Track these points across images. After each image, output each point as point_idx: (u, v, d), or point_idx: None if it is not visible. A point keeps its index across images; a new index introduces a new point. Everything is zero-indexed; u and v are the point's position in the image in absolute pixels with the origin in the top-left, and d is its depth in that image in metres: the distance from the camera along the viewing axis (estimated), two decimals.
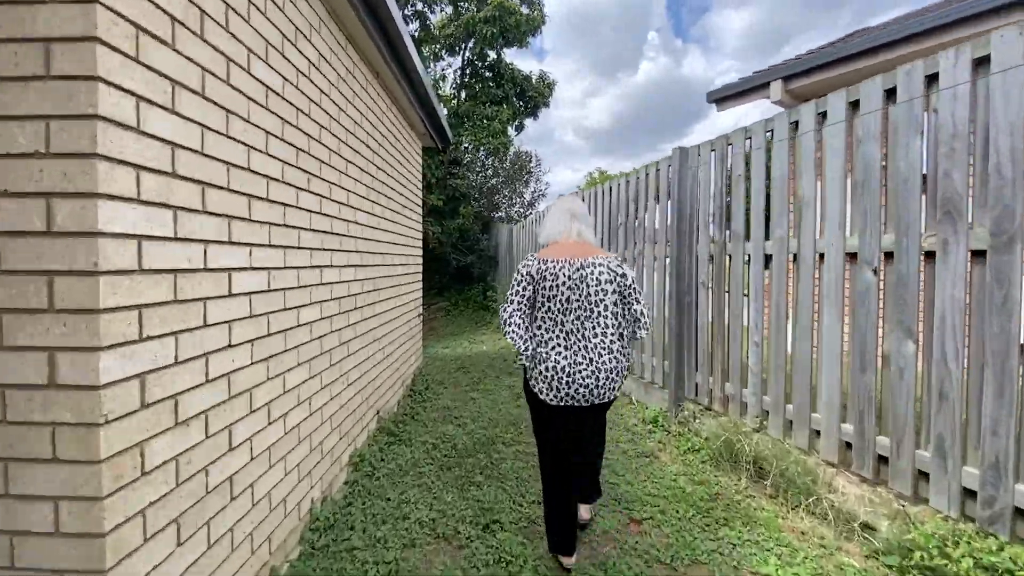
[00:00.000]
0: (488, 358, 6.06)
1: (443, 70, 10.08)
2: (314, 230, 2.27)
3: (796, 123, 2.61)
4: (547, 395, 1.82)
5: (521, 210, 10.08)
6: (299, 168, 2.11)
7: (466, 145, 8.44)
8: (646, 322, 1.88)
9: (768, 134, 2.78)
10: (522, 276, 1.89)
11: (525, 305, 1.88)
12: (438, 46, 10.18)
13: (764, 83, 4.94)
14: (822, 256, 2.42)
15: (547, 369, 1.81)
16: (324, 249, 2.40)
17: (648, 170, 4.04)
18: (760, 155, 2.83)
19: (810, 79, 4.58)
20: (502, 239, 8.56)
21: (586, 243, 1.98)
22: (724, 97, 5.46)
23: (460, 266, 9.38)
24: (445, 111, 9.41)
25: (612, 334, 1.84)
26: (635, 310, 1.87)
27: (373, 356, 3.29)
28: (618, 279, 1.88)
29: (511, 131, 9.88)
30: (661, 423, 3.46)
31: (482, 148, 8.64)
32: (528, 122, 10.95)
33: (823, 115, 2.45)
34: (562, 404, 1.82)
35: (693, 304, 3.41)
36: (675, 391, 3.51)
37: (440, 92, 8.80)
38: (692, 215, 3.43)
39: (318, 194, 2.32)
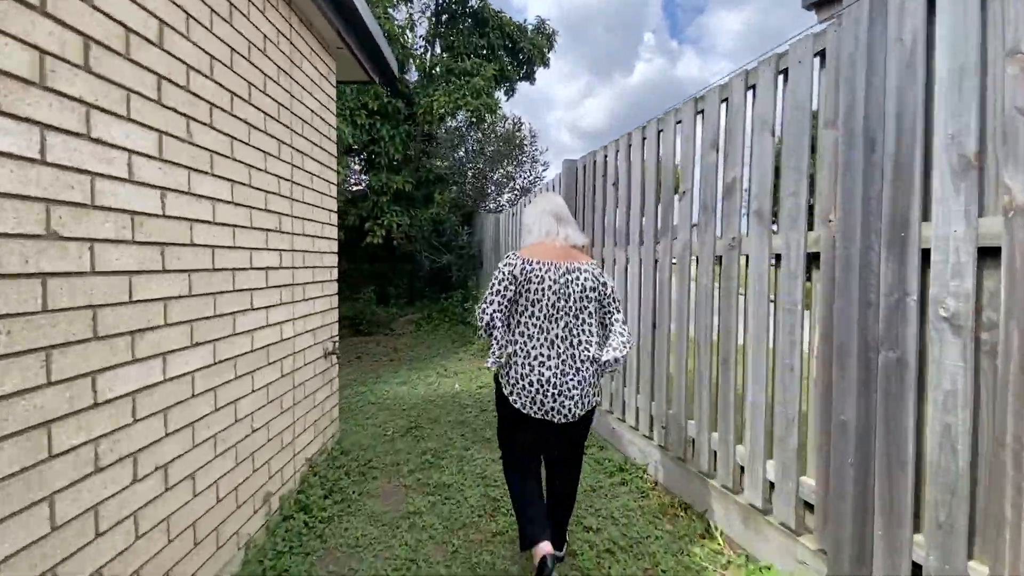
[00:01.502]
0: (459, 406, 4.11)
1: (410, 14, 8.11)
2: None
3: None
4: (530, 409, 1.75)
5: (514, 197, 8.12)
6: None
7: (442, 111, 6.49)
8: (628, 339, 1.85)
9: None
10: (504, 275, 1.76)
11: (506, 308, 1.77)
12: None
13: None
14: None
15: (532, 382, 1.74)
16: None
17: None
18: None
19: None
20: (487, 232, 6.61)
21: (573, 248, 1.89)
22: None
23: (435, 268, 7.42)
24: (412, 66, 7.43)
25: (596, 344, 1.80)
26: (616, 319, 1.86)
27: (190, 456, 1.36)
28: (600, 287, 1.84)
29: (499, 95, 7.90)
30: None
31: (460, 113, 6.69)
32: (523, 87, 8.72)
33: None
34: (546, 419, 1.75)
35: None
36: None
37: (405, 42, 6.93)
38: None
39: None
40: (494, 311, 1.74)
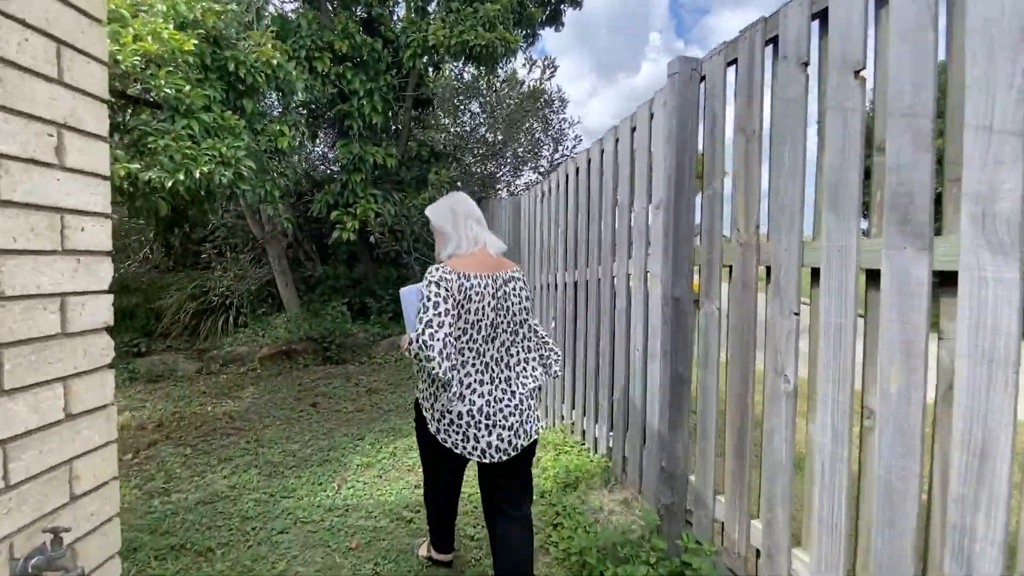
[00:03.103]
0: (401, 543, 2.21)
1: None
2: None
3: None
4: (463, 447, 1.58)
5: (537, 179, 6.21)
6: None
7: (440, 48, 4.50)
8: (558, 355, 1.78)
9: None
10: (443, 290, 1.51)
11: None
12: None
13: None
14: None
15: (464, 415, 1.58)
16: None
17: None
18: None
19: None
20: (501, 223, 4.68)
21: (498, 254, 1.73)
22: None
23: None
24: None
25: (535, 358, 1.74)
26: (540, 332, 1.77)
27: None
28: (527, 294, 1.74)
29: (517, 35, 5.92)
30: None
31: (463, 58, 4.76)
32: (547, 33, 6.58)
33: None
34: (486, 460, 1.59)
35: None
36: None
37: None
38: None
39: None
40: (446, 334, 1.47)
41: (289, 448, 3.42)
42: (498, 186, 6.69)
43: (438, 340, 1.44)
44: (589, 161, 2.85)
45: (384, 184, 5.72)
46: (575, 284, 3.07)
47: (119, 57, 2.82)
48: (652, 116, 2.18)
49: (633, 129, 2.38)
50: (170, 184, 2.74)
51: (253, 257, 6.73)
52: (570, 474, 2.59)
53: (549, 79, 5.56)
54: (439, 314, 1.47)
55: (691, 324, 1.97)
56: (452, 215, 1.77)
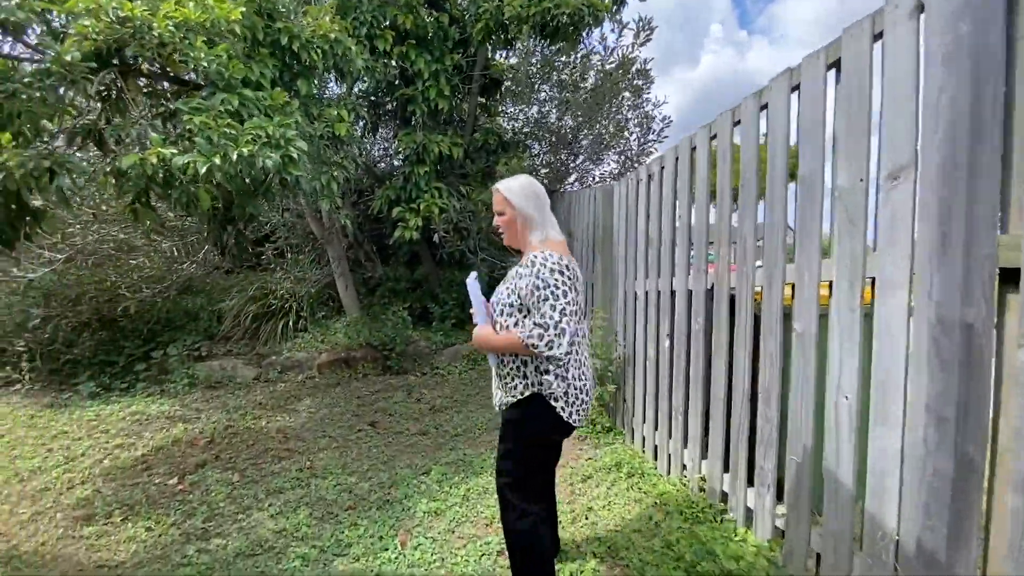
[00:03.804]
0: None
1: None
2: None
3: None
4: (576, 417, 1.68)
5: (614, 170, 5.42)
6: None
7: (515, 17, 3.86)
8: None
9: None
10: (566, 278, 1.58)
11: None
12: None
13: None
14: None
15: (587, 390, 1.71)
16: None
17: None
18: None
19: None
20: (582, 219, 3.97)
21: None
22: None
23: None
24: None
25: None
26: None
27: None
28: None
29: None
30: None
31: (541, 33, 4.08)
32: (633, 3, 5.64)
33: None
34: (580, 425, 1.73)
35: None
36: None
37: None
38: None
39: None
40: (577, 322, 1.58)
41: (345, 481, 2.91)
42: (570, 177, 5.99)
43: (570, 328, 1.52)
44: (736, 123, 2.10)
45: (448, 177, 5.19)
46: (708, 293, 2.32)
47: (153, 23, 2.41)
48: (882, 36, 1.41)
49: (832, 65, 1.61)
50: (204, 170, 2.28)
51: (314, 258, 6.44)
52: (716, 562, 1.85)
53: (643, 44, 4.74)
54: (569, 303, 1.53)
55: (984, 369, 1.17)
56: (536, 199, 1.72)
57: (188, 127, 2.46)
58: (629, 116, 4.75)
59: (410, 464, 3.13)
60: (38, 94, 2.09)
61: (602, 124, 4.90)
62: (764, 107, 1.93)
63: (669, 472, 2.65)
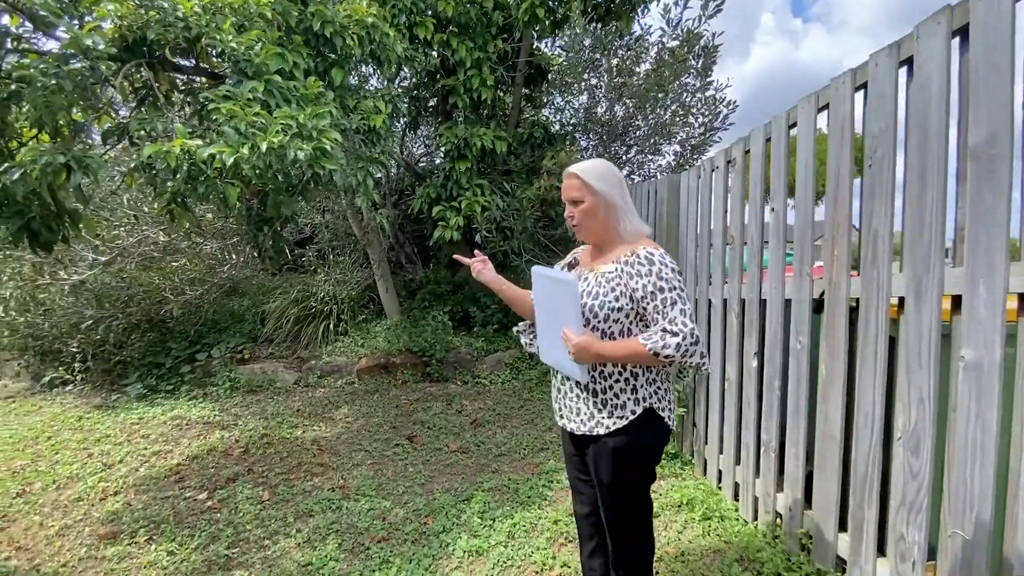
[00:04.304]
0: None
1: None
2: None
3: None
4: (672, 421, 1.54)
5: (674, 161, 4.90)
6: None
7: (556, 20, 3.51)
8: None
9: None
10: (680, 278, 1.45)
11: None
12: None
13: None
14: None
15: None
16: None
17: None
18: None
19: None
20: (639, 210, 3.54)
21: None
22: None
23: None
24: None
25: None
26: None
27: None
28: None
29: None
30: None
31: (590, 13, 3.69)
32: None
33: None
34: None
35: None
36: None
37: None
38: None
39: None
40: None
41: (379, 506, 2.64)
42: (621, 172, 5.55)
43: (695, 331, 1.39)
44: (859, 88, 1.64)
45: (491, 174, 4.89)
46: (815, 303, 1.87)
47: (178, 5, 2.22)
48: None
49: None
50: (231, 161, 2.06)
51: (354, 260, 6.32)
52: None
53: (713, 16, 4.23)
54: (689, 304, 1.41)
55: None
56: (621, 183, 1.51)
57: (215, 117, 2.26)
58: (693, 99, 4.24)
59: (449, 487, 2.83)
60: (53, 82, 1.93)
61: (661, 110, 4.40)
62: (905, 62, 1.48)
63: (755, 518, 2.21)
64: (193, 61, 2.87)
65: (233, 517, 2.62)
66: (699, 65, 3.92)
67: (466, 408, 4.13)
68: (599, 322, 1.43)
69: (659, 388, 1.48)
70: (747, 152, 2.30)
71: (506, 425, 3.73)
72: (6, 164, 1.96)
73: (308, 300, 5.99)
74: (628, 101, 4.41)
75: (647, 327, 1.43)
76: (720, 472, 2.53)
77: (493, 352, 5.05)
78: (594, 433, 1.46)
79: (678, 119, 4.26)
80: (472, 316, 5.53)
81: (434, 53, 4.23)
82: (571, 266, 1.69)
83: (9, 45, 2.29)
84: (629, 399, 1.43)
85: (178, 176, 2.25)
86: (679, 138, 4.47)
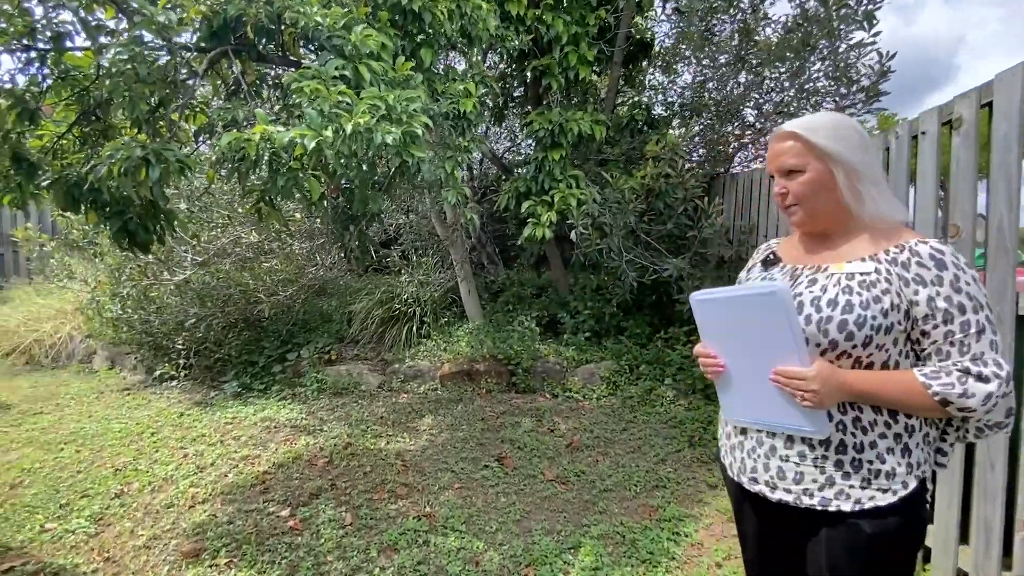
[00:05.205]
0: None
1: None
2: None
3: None
4: None
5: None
6: None
7: None
8: None
9: None
10: (986, 290, 1.12)
11: None
12: None
13: None
14: None
15: None
16: None
17: None
18: None
19: None
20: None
21: None
22: None
23: (650, 281, 3.81)
24: None
25: None
26: None
27: None
28: None
29: None
30: None
31: None
32: None
33: None
34: None
35: None
36: None
37: None
38: None
39: None
40: None
41: (469, 546, 2.28)
42: (733, 159, 4.80)
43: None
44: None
45: (585, 164, 4.42)
46: None
47: None
48: None
49: None
50: (312, 145, 1.80)
51: (437, 261, 6.15)
52: None
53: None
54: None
55: None
56: (865, 146, 1.03)
57: (298, 100, 2.03)
58: (851, 56, 3.37)
59: (550, 528, 2.41)
60: (129, 66, 1.77)
61: (807, 74, 3.54)
62: None
63: None
64: (277, 49, 2.71)
65: (314, 543, 2.40)
66: (860, 10, 3.11)
67: (559, 427, 3.70)
68: (853, 347, 0.95)
69: (932, 452, 1.04)
70: (985, 106, 1.63)
71: (608, 452, 3.24)
72: (93, 161, 1.84)
73: (392, 302, 5.90)
74: (759, 68, 3.66)
75: (918, 359, 0.98)
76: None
77: (585, 363, 4.56)
78: (831, 508, 0.98)
79: (830, 84, 3.45)
80: (561, 322, 5.08)
81: (525, 30, 3.84)
82: (768, 264, 1.20)
83: (105, 40, 2.21)
84: (899, 464, 0.98)
85: (259, 168, 2.04)
86: (829, 107, 3.63)
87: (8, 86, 1.99)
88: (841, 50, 3.39)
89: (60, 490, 2.97)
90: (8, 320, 6.45)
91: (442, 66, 3.39)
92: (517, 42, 3.53)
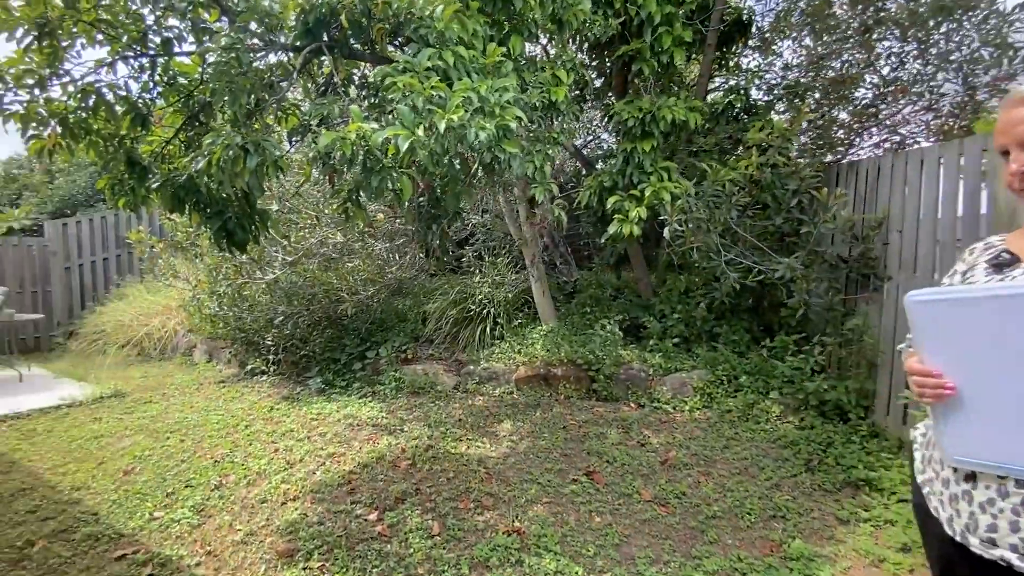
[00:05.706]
0: None
1: None
2: None
3: None
4: None
5: (940, 123, 3.46)
6: None
7: None
8: None
9: None
10: None
11: None
12: None
13: None
14: None
15: None
16: None
17: None
18: None
19: None
20: (914, 204, 2.38)
21: None
22: None
23: (754, 283, 3.42)
24: None
25: None
26: None
27: None
28: None
29: None
30: None
31: None
32: None
33: None
34: None
35: None
36: None
37: None
38: None
39: None
40: None
41: (567, 570, 2.10)
42: (851, 146, 4.23)
43: None
44: None
45: (676, 155, 4.09)
46: None
47: None
48: None
49: None
50: (406, 146, 1.69)
51: (510, 261, 6.03)
52: None
53: None
54: None
55: None
56: None
57: (391, 96, 1.94)
58: (1017, 17, 2.80)
59: (656, 557, 2.17)
60: (233, 58, 1.75)
61: (957, 39, 2.95)
62: None
63: None
64: (366, 46, 2.67)
65: (403, 551, 2.33)
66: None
67: (650, 441, 3.42)
68: None
69: None
70: None
71: (709, 472, 2.93)
72: (193, 154, 1.86)
73: (466, 302, 5.86)
74: (890, 35, 3.13)
75: None
76: None
77: (674, 371, 4.23)
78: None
79: (989, 47, 2.87)
80: (643, 326, 4.76)
81: (613, 14, 3.59)
82: (1002, 266, 0.93)
83: (209, 43, 2.26)
84: None
85: (355, 167, 1.97)
86: (983, 81, 3.03)
87: (123, 93, 2.07)
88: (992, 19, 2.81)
89: (166, 479, 3.14)
90: (124, 315, 7.13)
91: (525, 56, 3.24)
92: (605, 28, 3.29)
